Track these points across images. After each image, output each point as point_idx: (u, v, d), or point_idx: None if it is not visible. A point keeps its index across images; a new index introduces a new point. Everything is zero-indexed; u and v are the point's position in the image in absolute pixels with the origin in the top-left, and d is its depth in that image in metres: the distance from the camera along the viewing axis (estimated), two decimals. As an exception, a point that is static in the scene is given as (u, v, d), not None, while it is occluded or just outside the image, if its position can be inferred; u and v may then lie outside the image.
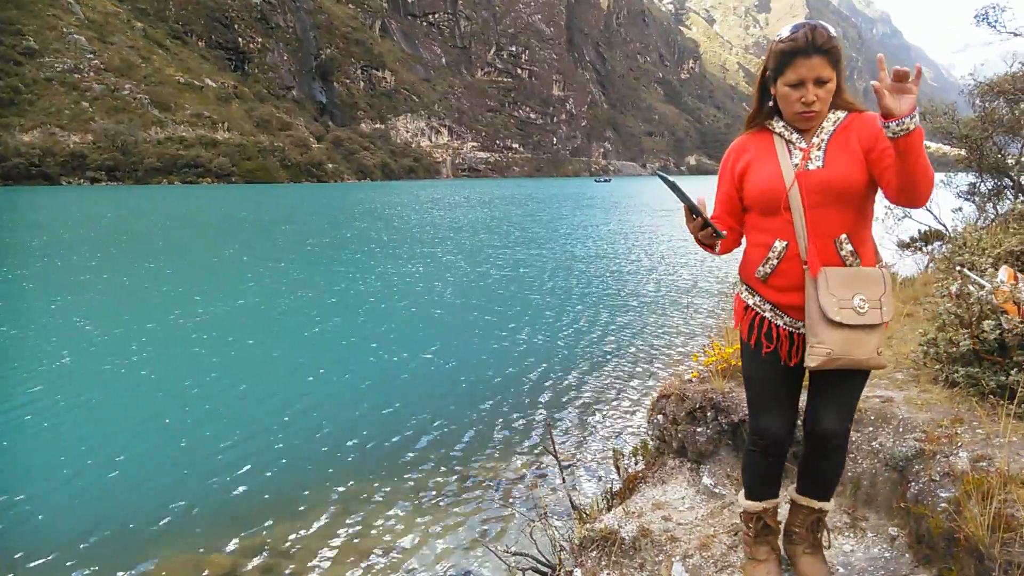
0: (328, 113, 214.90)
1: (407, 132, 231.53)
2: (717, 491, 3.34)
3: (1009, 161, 12.42)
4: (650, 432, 3.88)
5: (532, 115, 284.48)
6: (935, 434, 2.77)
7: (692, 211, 2.18)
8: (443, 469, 6.20)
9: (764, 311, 2.31)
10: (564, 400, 7.90)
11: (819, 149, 2.17)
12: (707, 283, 16.46)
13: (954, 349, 3.12)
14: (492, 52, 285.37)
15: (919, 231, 12.36)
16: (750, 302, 2.36)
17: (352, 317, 12.77)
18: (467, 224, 36.13)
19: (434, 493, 5.75)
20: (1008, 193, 13.87)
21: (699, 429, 3.48)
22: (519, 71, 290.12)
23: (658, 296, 14.76)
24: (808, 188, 2.15)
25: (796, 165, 2.18)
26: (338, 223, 36.48)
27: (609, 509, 3.95)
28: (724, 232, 2.24)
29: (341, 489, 5.87)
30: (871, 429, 2.99)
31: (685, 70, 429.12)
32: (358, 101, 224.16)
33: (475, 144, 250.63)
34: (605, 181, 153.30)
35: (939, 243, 12.16)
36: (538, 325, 11.88)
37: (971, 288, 3.20)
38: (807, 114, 2.15)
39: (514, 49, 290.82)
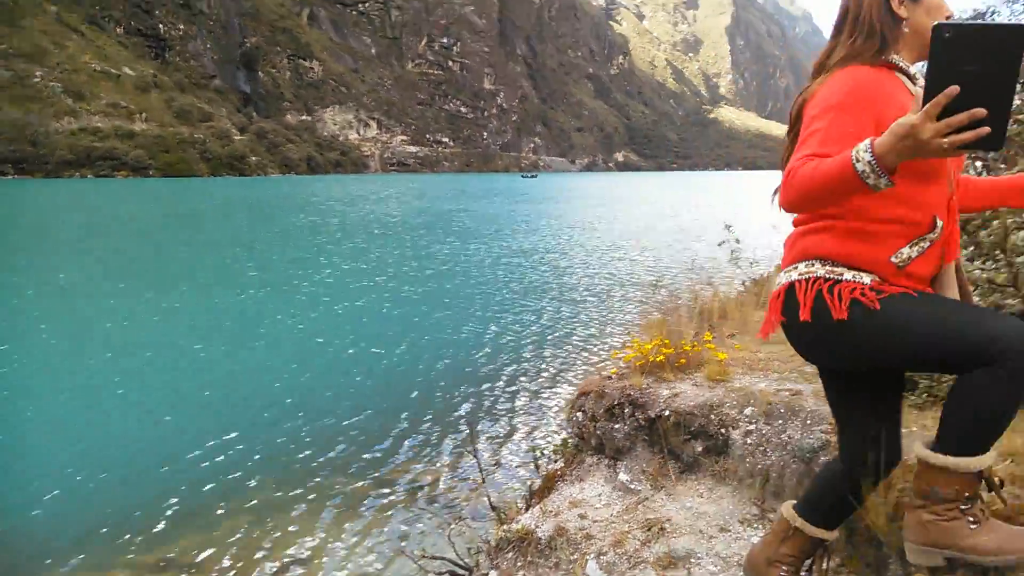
0: (252, 104, 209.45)
1: (334, 125, 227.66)
2: (633, 487, 3.36)
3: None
4: (570, 430, 3.89)
5: (463, 109, 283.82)
6: (840, 427, 2.86)
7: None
8: (360, 471, 6.10)
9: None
10: (489, 397, 7.88)
11: None
12: (638, 274, 16.76)
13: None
14: (423, 43, 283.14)
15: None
16: (864, 282, 1.69)
17: (269, 315, 12.46)
18: (400, 219, 35.75)
19: (349, 497, 5.65)
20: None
21: (617, 426, 3.50)
22: (450, 63, 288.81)
23: (589, 290, 14.96)
24: None
25: None
26: (268, 218, 35.63)
27: (528, 508, 3.94)
28: None
29: (251, 495, 5.71)
30: (780, 422, 3.06)
31: (615, 65, 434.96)
32: (284, 92, 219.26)
33: (405, 138, 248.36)
34: (532, 177, 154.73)
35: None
36: (469, 320, 11.90)
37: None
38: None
39: (446, 41, 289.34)
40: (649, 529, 3.01)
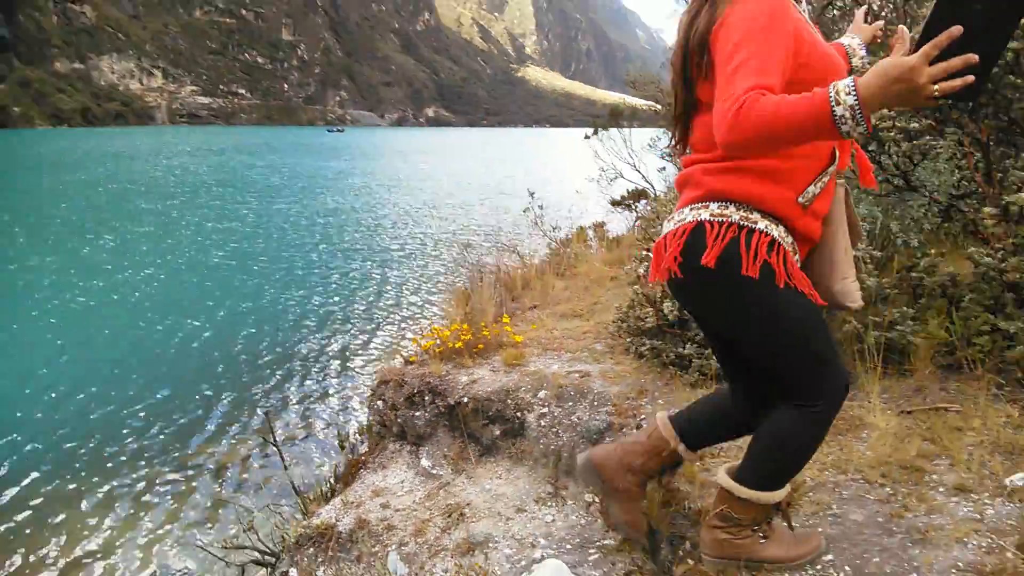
0: (12, 50, 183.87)
1: (113, 74, 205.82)
2: (435, 472, 3.40)
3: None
4: (371, 417, 3.85)
5: (260, 60, 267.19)
6: (623, 407, 3.04)
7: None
8: (155, 458, 5.75)
9: (787, 246, 1.66)
10: (295, 374, 7.65)
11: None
12: (450, 235, 16.78)
13: (642, 323, 3.43)
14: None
15: (627, 190, 13.52)
16: (776, 234, 1.64)
17: (43, 289, 11.18)
18: (198, 176, 33.11)
19: (144, 486, 5.33)
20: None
21: (418, 413, 3.51)
22: (244, 12, 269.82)
23: (400, 251, 14.82)
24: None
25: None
26: (36, 175, 31.65)
27: (332, 495, 3.88)
28: None
29: (32, 489, 5.23)
30: (570, 403, 3.21)
31: (421, 22, 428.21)
32: (51, 38, 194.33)
33: (195, 88, 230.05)
34: (338, 131, 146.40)
35: (644, 201, 13.47)
36: (274, 288, 11.40)
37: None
38: None
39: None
40: (449, 515, 3.06)
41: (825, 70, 1.56)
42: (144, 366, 7.77)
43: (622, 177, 14.12)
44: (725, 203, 1.65)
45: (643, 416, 2.90)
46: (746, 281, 1.60)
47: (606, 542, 2.45)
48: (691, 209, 1.70)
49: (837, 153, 1.67)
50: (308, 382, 7.41)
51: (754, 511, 1.84)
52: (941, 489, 2.17)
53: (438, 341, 3.66)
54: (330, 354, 8.23)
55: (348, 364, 7.95)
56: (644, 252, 3.91)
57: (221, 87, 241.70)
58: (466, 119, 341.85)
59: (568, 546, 2.54)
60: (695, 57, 1.62)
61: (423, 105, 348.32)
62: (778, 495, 1.81)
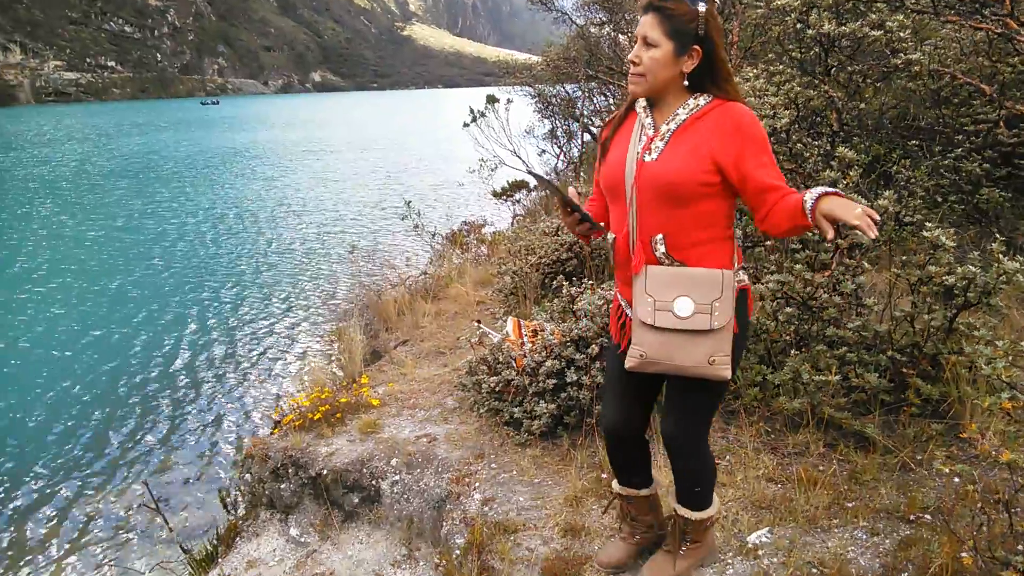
0: None
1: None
2: (303, 540, 3.75)
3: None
4: (242, 488, 4.15)
5: (128, 28, 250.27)
6: (462, 474, 3.47)
7: (567, 205, 2.06)
8: (32, 516, 5.76)
9: (621, 302, 2.24)
10: (172, 419, 7.43)
11: (662, 140, 2.01)
12: (332, 240, 16.50)
13: (483, 386, 3.85)
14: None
15: (508, 181, 13.89)
16: (614, 292, 2.30)
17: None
18: (75, 169, 31.15)
19: (26, 545, 5.37)
20: (578, 135, 16.26)
21: (283, 485, 3.84)
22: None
23: (277, 269, 13.74)
24: (641, 181, 2.01)
25: (638, 154, 2.04)
26: None
27: (216, 554, 4.18)
28: (602, 224, 2.17)
29: None
30: (418, 470, 3.62)
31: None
32: None
33: (59, 63, 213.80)
34: (213, 103, 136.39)
35: (524, 191, 13.90)
36: (144, 315, 10.93)
37: (490, 337, 3.96)
38: (632, 77, 2.01)
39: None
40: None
41: (605, 184, 2.16)
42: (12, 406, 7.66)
43: (504, 164, 14.38)
44: None
45: (475, 486, 3.33)
46: None
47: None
48: None
49: (612, 235, 2.16)
50: (185, 430, 7.24)
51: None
52: (697, 550, 2.68)
53: (298, 414, 3.98)
54: (203, 399, 7.98)
55: (223, 409, 7.71)
56: (477, 323, 4.33)
57: (88, 60, 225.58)
58: (354, 82, 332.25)
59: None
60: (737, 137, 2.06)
61: (308, 69, 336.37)
62: (614, 483, 2.56)
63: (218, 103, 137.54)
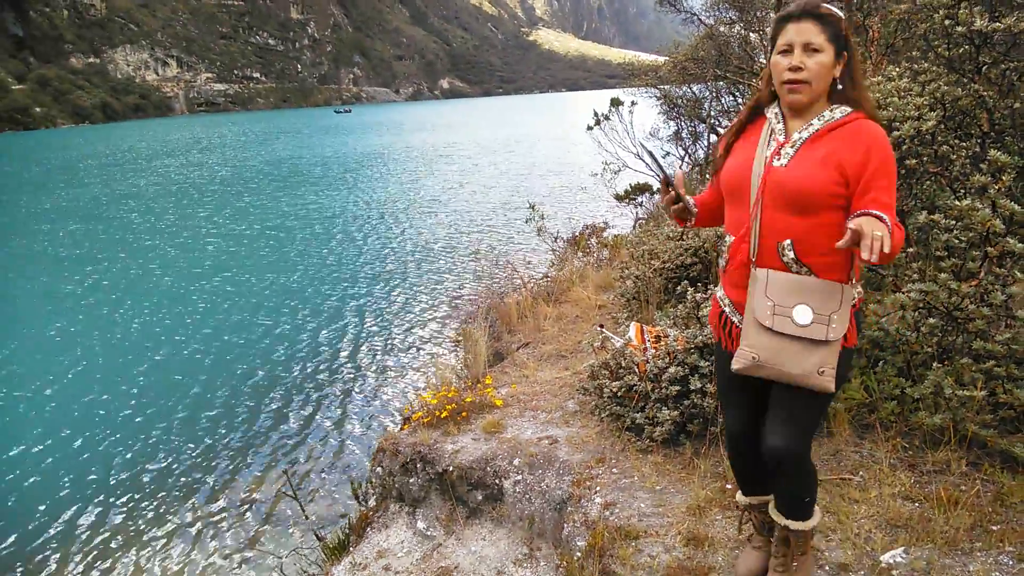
0: (28, 48, 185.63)
1: (128, 66, 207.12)
2: (429, 534, 3.91)
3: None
4: (373, 480, 4.36)
5: (271, 41, 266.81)
6: (583, 476, 3.51)
7: (667, 184, 2.18)
8: (176, 504, 6.22)
9: (725, 306, 2.26)
10: (304, 413, 7.87)
11: (792, 147, 2.03)
12: (457, 243, 17.01)
13: (605, 391, 3.87)
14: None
15: (630, 185, 13.80)
16: (718, 294, 2.31)
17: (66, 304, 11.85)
18: (229, 174, 33.70)
19: (172, 531, 5.83)
20: (704, 137, 15.91)
21: (412, 480, 4.01)
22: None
23: (401, 273, 14.17)
24: (769, 185, 2.03)
25: (767, 158, 2.06)
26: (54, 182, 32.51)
27: (348, 542, 4.42)
28: (696, 210, 2.25)
29: (40, 529, 5.79)
30: (540, 471, 3.68)
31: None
32: (64, 33, 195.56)
33: (210, 75, 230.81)
34: (346, 111, 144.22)
35: (647, 195, 13.76)
36: (290, 313, 11.63)
37: (612, 342, 3.98)
38: (794, 84, 1.97)
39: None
40: (448, 574, 3.57)
41: (727, 187, 2.19)
42: (161, 398, 8.30)
43: (627, 167, 14.28)
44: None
45: (597, 489, 3.36)
46: None
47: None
48: None
49: (731, 237, 2.17)
50: (320, 427, 7.59)
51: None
52: (827, 567, 2.60)
53: (426, 411, 4.14)
54: (338, 393, 8.40)
55: (356, 402, 8.13)
56: (600, 328, 4.35)
57: (235, 72, 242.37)
58: (481, 88, 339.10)
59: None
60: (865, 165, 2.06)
61: (437, 77, 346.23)
62: (739, 496, 2.57)
63: (350, 111, 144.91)
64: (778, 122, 2.08)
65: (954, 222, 3.09)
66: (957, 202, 3.01)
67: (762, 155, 2.07)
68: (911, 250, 3.63)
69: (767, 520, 2.49)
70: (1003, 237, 2.96)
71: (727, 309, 2.23)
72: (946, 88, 3.51)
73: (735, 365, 2.10)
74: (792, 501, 2.29)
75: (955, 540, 2.56)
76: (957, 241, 3.11)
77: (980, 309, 3.03)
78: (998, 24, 3.02)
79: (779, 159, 2.02)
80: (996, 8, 3.28)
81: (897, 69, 3.96)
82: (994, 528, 2.59)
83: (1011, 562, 2.43)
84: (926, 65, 3.78)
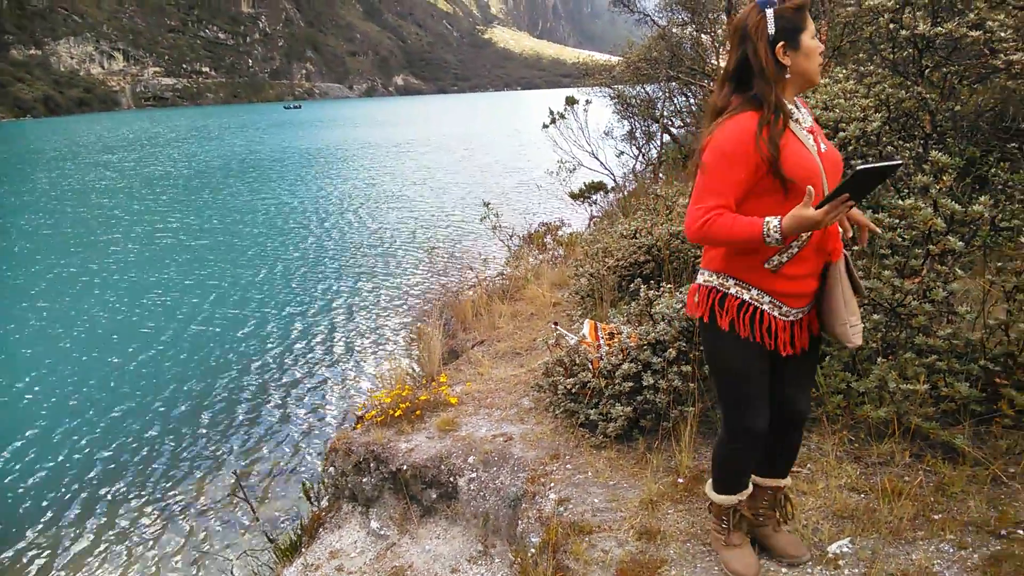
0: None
1: (72, 58, 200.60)
2: (383, 533, 3.87)
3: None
4: (326, 481, 4.30)
5: (222, 35, 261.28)
6: (537, 473, 3.51)
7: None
8: (123, 507, 6.08)
9: (763, 304, 2.19)
10: (255, 415, 7.73)
11: (810, 132, 2.15)
12: (412, 237, 16.91)
13: (559, 388, 3.88)
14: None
15: (584, 183, 13.87)
16: (746, 297, 2.19)
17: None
18: (192, 170, 32.85)
19: (121, 533, 5.69)
20: (657, 136, 16.07)
21: (365, 479, 3.97)
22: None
23: (359, 267, 14.16)
24: (828, 171, 2.11)
25: (813, 146, 2.12)
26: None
27: (299, 543, 4.35)
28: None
29: None
30: (495, 469, 3.68)
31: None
32: (3, 23, 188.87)
33: (158, 69, 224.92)
34: (295, 107, 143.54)
35: (602, 193, 13.85)
36: (243, 311, 11.40)
37: (567, 339, 3.99)
38: (821, 68, 2.13)
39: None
40: (400, 574, 3.54)
41: (803, 179, 2.04)
42: (116, 400, 8.10)
43: (582, 166, 14.38)
44: (709, 272, 2.27)
45: (551, 485, 3.37)
46: (715, 332, 2.25)
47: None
48: (699, 272, 2.35)
49: (804, 234, 2.10)
50: (277, 426, 7.47)
51: (715, 508, 2.56)
52: (776, 559, 2.65)
53: (380, 410, 4.10)
54: (290, 391, 8.26)
55: (308, 401, 7.99)
56: (554, 325, 4.36)
57: (184, 66, 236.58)
58: (436, 85, 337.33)
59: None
60: (694, 159, 2.18)
61: (391, 73, 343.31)
62: (725, 499, 2.49)
63: (300, 107, 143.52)
64: (797, 110, 2.16)
65: (897, 221, 3.17)
66: (900, 201, 3.10)
67: (808, 143, 2.12)
68: (856, 248, 3.72)
69: (765, 503, 2.58)
70: (944, 235, 3.05)
71: (766, 307, 2.19)
72: (891, 90, 3.60)
73: (860, 341, 2.23)
74: (794, 458, 2.54)
75: (899, 530, 2.63)
76: (900, 239, 3.20)
77: (923, 305, 3.12)
78: (940, 28, 3.11)
79: (821, 145, 2.15)
80: (938, 13, 3.37)
81: (844, 71, 4.06)
82: (936, 517, 2.67)
83: (952, 550, 2.50)
84: (872, 68, 3.87)
